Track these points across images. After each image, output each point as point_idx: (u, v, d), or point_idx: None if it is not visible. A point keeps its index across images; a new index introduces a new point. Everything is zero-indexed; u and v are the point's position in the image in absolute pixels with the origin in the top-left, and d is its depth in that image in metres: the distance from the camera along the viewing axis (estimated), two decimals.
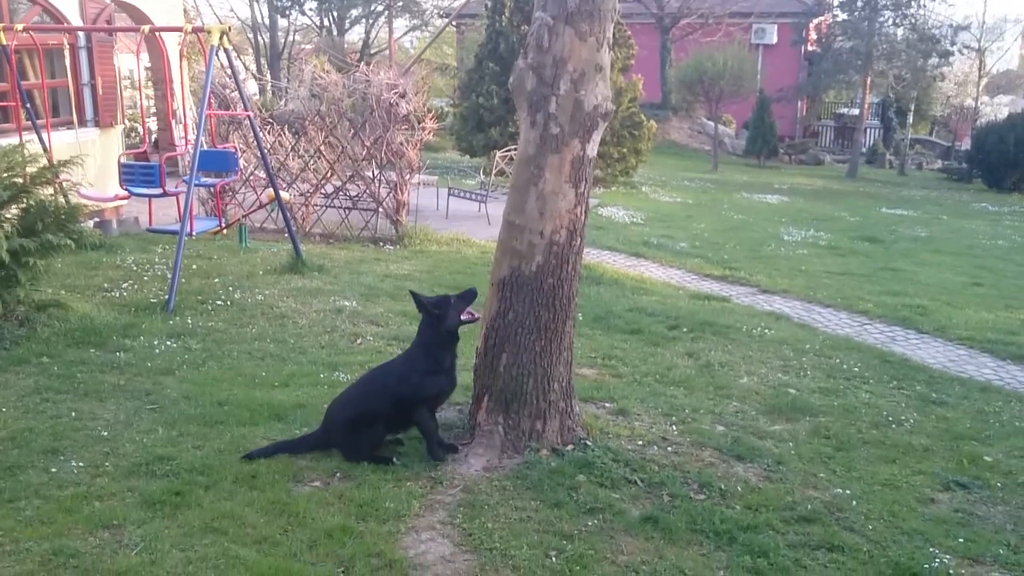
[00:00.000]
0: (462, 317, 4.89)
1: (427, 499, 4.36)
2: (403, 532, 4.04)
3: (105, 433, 4.96)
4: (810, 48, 33.02)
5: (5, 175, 6.62)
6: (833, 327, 8.61)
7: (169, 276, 8.05)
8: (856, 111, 31.05)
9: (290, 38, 38.92)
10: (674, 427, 5.48)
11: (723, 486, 4.66)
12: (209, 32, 8.75)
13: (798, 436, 5.53)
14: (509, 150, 15.02)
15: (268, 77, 30.59)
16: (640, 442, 5.15)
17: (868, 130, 32.95)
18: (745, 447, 5.22)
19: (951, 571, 3.97)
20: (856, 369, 7.06)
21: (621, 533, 4.15)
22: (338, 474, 4.56)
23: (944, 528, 4.40)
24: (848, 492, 4.72)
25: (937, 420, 5.99)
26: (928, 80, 29.98)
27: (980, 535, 4.35)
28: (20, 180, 6.72)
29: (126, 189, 9.51)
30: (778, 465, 5.02)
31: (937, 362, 7.57)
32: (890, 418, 5.95)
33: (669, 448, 5.12)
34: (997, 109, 34.98)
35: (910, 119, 32.85)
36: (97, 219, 11.08)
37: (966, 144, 32.44)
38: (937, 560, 4.04)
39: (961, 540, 4.27)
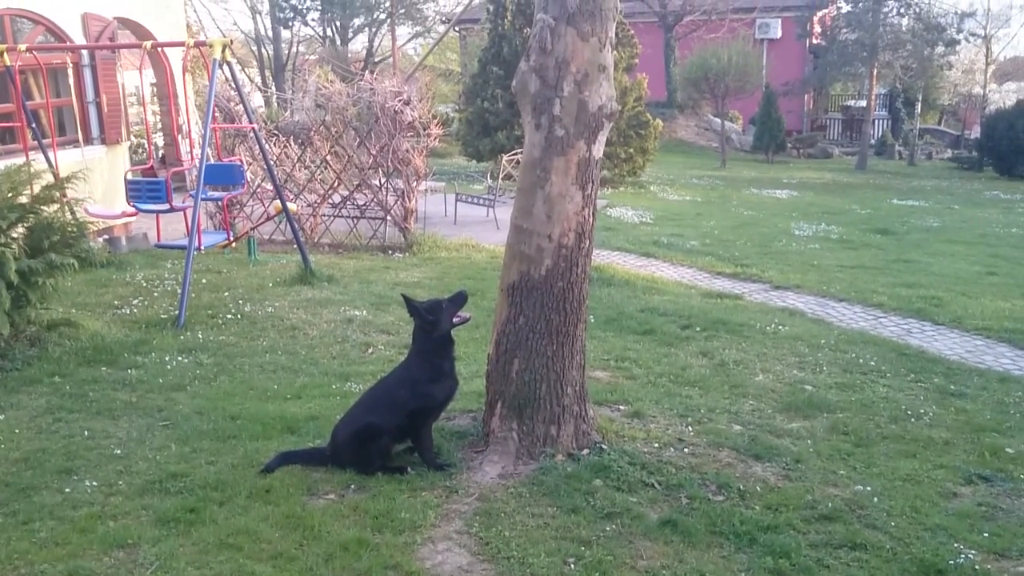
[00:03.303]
0: (454, 320, 4.90)
1: (443, 509, 4.33)
2: (419, 543, 4.00)
3: (118, 451, 4.96)
4: (815, 41, 32.91)
5: (9, 195, 6.63)
6: (848, 321, 8.54)
7: (179, 291, 8.05)
8: (863, 103, 30.88)
9: (294, 49, 39.08)
10: (690, 428, 5.43)
11: (742, 487, 4.61)
12: (212, 46, 8.76)
13: (816, 433, 5.47)
14: (516, 154, 14.98)
15: (272, 89, 30.64)
16: (656, 444, 5.10)
17: (876, 121, 32.76)
18: (763, 446, 5.16)
19: (976, 566, 3.90)
20: (872, 363, 6.99)
21: (640, 537, 4.10)
22: (352, 486, 4.53)
23: (968, 523, 4.33)
24: (869, 489, 4.66)
25: (956, 413, 5.92)
26: (935, 69, 29.86)
27: (1005, 529, 4.28)
28: (24, 200, 6.72)
29: (133, 206, 9.52)
30: (797, 463, 4.96)
31: (954, 353, 7.48)
32: (909, 412, 5.87)
33: (686, 449, 5.07)
34: (1006, 96, 34.73)
35: (918, 109, 32.70)
36: (106, 236, 11.11)
37: (976, 132, 32.26)
38: (962, 556, 3.98)
39: (986, 534, 4.21)
